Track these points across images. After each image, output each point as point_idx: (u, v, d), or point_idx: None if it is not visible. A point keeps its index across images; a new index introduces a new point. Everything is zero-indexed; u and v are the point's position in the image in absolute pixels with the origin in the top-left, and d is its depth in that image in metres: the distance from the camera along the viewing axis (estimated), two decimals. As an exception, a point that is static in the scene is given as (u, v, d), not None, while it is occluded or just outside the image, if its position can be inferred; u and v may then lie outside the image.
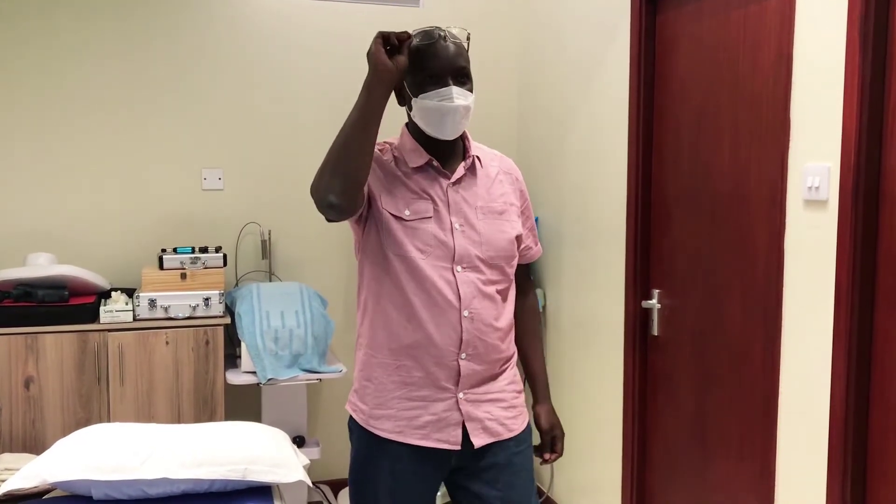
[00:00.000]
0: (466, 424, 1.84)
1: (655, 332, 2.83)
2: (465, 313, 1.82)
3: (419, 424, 1.85)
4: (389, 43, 1.71)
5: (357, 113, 1.70)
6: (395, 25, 3.74)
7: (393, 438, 1.86)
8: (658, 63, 2.79)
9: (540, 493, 3.74)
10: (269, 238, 3.65)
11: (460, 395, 1.85)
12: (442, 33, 1.80)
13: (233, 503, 2.48)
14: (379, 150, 1.87)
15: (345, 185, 1.66)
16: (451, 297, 1.81)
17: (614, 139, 3.00)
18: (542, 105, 3.68)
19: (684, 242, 2.68)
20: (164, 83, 3.51)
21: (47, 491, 2.58)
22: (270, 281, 3.64)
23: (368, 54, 1.69)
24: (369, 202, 1.83)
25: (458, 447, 1.84)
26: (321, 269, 3.75)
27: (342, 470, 3.86)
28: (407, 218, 1.81)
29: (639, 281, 2.88)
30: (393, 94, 1.78)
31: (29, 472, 2.43)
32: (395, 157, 1.87)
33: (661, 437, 2.85)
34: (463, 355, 1.83)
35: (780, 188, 2.21)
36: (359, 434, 1.94)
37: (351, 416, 1.96)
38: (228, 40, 3.58)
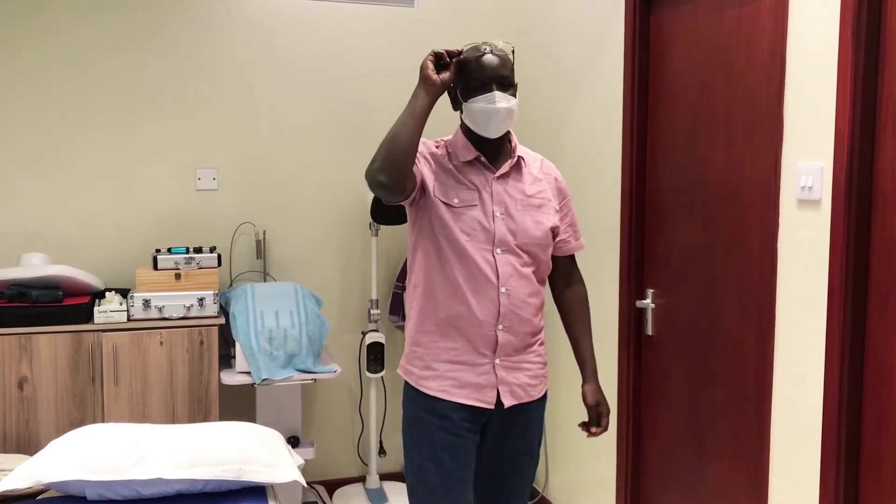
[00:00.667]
0: (499, 387, 2.12)
1: (649, 332, 2.84)
2: (503, 290, 2.09)
3: (461, 384, 2.12)
4: (441, 61, 2.02)
5: (405, 114, 1.99)
6: (389, 26, 3.75)
7: (439, 396, 2.12)
8: (652, 62, 2.79)
9: (535, 492, 3.74)
10: (264, 238, 3.65)
11: (497, 361, 2.12)
12: (488, 47, 2.08)
13: (227, 503, 2.48)
14: (436, 146, 2.18)
15: (391, 169, 1.95)
16: (491, 275, 2.08)
17: (609, 138, 3.00)
18: (537, 105, 3.68)
19: (678, 242, 2.68)
20: (158, 83, 3.51)
21: (41, 491, 2.58)
22: (265, 281, 3.64)
23: (420, 71, 2.01)
24: (423, 191, 2.11)
25: (493, 406, 2.13)
26: (316, 269, 3.75)
27: (337, 470, 3.86)
28: (455, 205, 2.09)
29: (633, 280, 2.89)
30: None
31: (22, 473, 2.43)
32: (448, 152, 2.16)
33: (656, 437, 2.85)
34: (500, 327, 2.10)
35: (773, 188, 2.21)
36: (410, 395, 2.20)
37: (406, 383, 2.22)
38: (223, 40, 3.57)
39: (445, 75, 2.01)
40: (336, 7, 3.69)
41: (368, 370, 3.61)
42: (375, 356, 3.59)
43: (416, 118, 1.97)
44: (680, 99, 2.65)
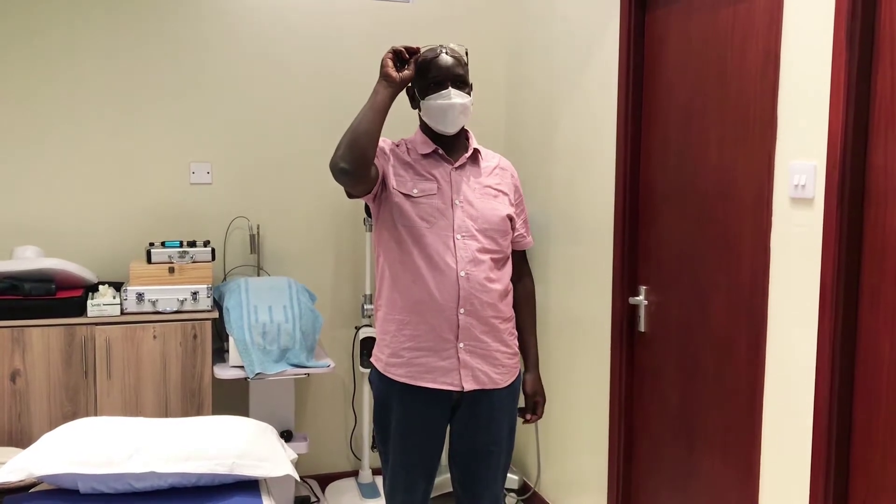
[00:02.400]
0: (461, 371, 2.21)
1: (642, 329, 2.85)
2: (462, 274, 2.19)
3: (427, 370, 2.22)
4: (400, 57, 2.14)
5: (365, 107, 2.10)
6: (384, 20, 3.75)
7: (406, 382, 2.23)
8: (647, 61, 2.80)
9: (527, 487, 3.76)
10: (258, 232, 3.64)
11: (460, 345, 2.21)
12: (443, 49, 2.22)
13: (220, 497, 2.49)
14: (395, 144, 2.29)
15: (353, 157, 2.07)
16: (450, 259, 2.18)
17: (603, 136, 3.01)
18: (531, 102, 3.69)
19: (671, 239, 2.69)
20: (152, 77, 3.50)
21: (33, 485, 2.58)
22: (259, 275, 3.64)
23: (381, 64, 2.12)
24: (384, 185, 2.22)
25: (461, 389, 2.22)
26: (309, 263, 3.75)
27: (330, 464, 3.87)
28: (415, 195, 2.21)
29: (626, 277, 2.89)
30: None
31: (15, 466, 2.43)
32: (408, 148, 2.29)
33: (647, 433, 2.87)
34: (462, 310, 2.20)
35: (766, 186, 2.22)
36: (378, 381, 2.32)
37: (372, 367, 2.35)
38: (218, 34, 3.56)
39: (406, 73, 2.14)
40: (331, 2, 3.69)
41: (362, 365, 3.62)
42: (368, 351, 3.58)
43: (375, 111, 2.08)
44: (674, 97, 2.65)
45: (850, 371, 2.01)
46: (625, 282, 2.90)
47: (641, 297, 2.84)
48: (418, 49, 2.18)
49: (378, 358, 2.32)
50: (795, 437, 2.15)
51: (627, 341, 2.92)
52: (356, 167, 2.08)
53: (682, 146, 2.62)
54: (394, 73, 2.10)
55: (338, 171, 2.09)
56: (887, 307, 1.91)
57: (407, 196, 2.20)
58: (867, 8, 1.92)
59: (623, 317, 2.91)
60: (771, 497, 2.26)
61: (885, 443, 1.93)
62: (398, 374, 2.25)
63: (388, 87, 2.10)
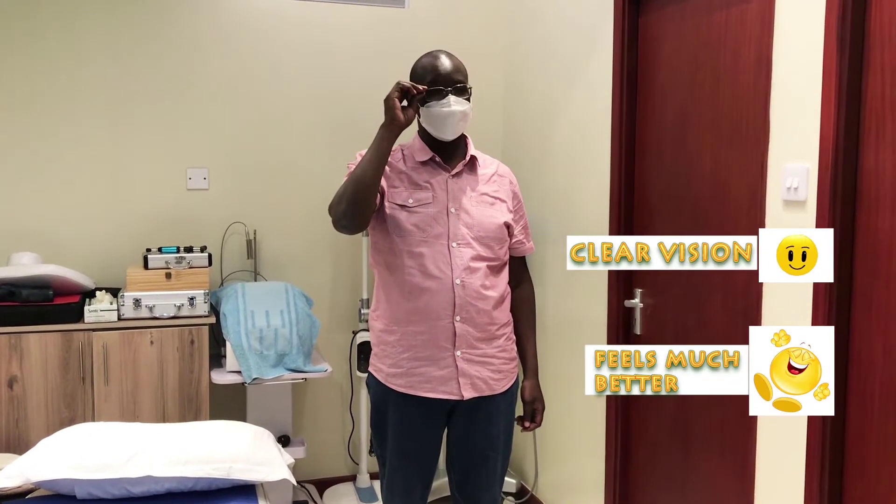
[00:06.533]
0: (459, 379, 2.21)
1: (638, 331, 2.85)
2: (458, 281, 2.17)
3: (426, 379, 2.21)
4: (406, 94, 2.08)
5: (371, 156, 2.07)
6: (380, 26, 3.76)
7: (406, 392, 2.22)
8: (641, 64, 2.81)
9: (524, 490, 3.76)
10: (255, 238, 3.65)
11: (457, 353, 2.20)
12: (443, 55, 2.19)
13: (217, 501, 2.49)
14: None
15: (356, 213, 2.09)
16: (445, 268, 2.17)
17: (598, 140, 3.02)
18: (526, 106, 3.70)
19: (666, 242, 2.70)
20: (149, 82, 3.50)
21: (31, 490, 2.58)
22: (256, 280, 3.64)
23: (386, 104, 2.06)
24: (381, 197, 2.18)
25: (460, 397, 2.21)
26: (306, 268, 3.75)
27: (327, 469, 3.87)
28: (411, 205, 2.19)
29: (621, 280, 2.90)
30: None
31: (12, 472, 2.43)
32: (403, 155, 2.27)
33: (644, 435, 2.87)
34: (458, 318, 2.18)
35: (759, 188, 2.24)
36: (376, 389, 2.32)
37: (370, 374, 2.34)
38: (215, 40, 3.58)
39: (410, 113, 2.09)
40: (327, 7, 3.70)
41: (359, 369, 3.62)
42: (366, 355, 3.59)
43: (381, 159, 2.06)
44: (668, 100, 2.67)
45: (844, 371, 2.02)
46: (620, 285, 2.90)
47: (637, 300, 2.84)
48: (425, 89, 2.12)
49: (378, 369, 2.30)
50: (790, 438, 2.15)
51: (623, 344, 2.93)
52: (358, 222, 2.11)
53: (676, 149, 2.63)
54: (401, 116, 2.05)
55: (340, 227, 2.12)
56: (879, 308, 1.92)
57: (402, 206, 2.19)
58: (857, 12, 1.93)
59: (619, 319, 2.92)
60: (766, 499, 2.27)
61: (879, 444, 1.94)
62: (398, 385, 2.24)
63: (394, 130, 2.06)
